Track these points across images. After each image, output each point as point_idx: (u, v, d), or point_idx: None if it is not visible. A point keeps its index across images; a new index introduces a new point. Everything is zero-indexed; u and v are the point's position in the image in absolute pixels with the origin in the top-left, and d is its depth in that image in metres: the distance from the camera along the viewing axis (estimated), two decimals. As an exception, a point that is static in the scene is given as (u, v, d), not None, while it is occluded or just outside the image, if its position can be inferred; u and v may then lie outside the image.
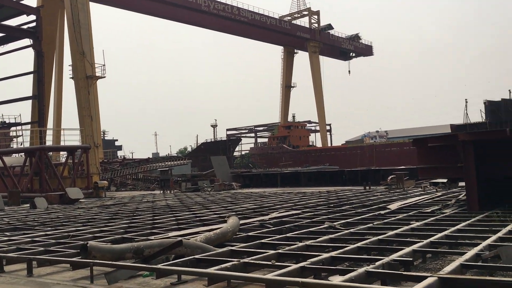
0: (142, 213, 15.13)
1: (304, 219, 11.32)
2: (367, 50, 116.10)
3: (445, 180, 21.97)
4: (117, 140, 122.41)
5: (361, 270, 5.21)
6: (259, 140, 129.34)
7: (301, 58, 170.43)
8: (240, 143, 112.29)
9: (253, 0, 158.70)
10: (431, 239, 7.27)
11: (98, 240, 9.15)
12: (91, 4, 49.52)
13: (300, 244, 7.38)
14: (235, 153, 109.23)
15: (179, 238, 7.82)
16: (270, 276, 5.28)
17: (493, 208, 11.00)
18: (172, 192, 33.30)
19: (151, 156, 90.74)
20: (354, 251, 6.79)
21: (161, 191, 33.94)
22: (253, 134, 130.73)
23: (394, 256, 6.03)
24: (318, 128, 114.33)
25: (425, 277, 4.79)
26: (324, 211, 13.04)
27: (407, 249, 6.42)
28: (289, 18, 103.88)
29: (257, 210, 14.33)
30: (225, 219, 11.97)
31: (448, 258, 6.59)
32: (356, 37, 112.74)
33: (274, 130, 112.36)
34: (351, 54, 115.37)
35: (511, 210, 10.27)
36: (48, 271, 7.09)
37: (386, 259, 5.78)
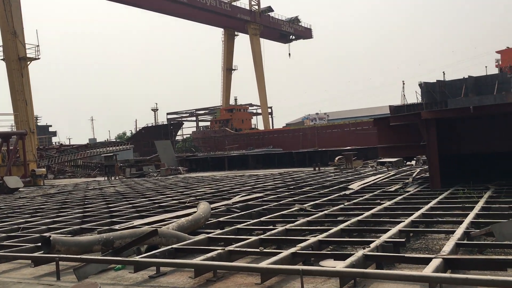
0: (93, 201, 14.40)
1: (270, 201, 11.11)
2: (306, 33, 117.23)
3: (393, 160, 22.52)
4: (51, 126, 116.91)
5: (359, 254, 4.98)
6: (201, 124, 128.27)
7: (242, 41, 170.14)
8: (182, 127, 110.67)
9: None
10: (411, 218, 7.20)
11: (55, 232, 8.48)
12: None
13: (280, 228, 7.09)
14: (177, 137, 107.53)
15: (153, 227, 7.32)
16: (264, 264, 4.94)
17: (452, 185, 11.22)
18: (117, 178, 32.32)
19: (88, 142, 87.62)
20: (338, 234, 6.58)
21: (106, 178, 32.83)
22: (194, 118, 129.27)
23: (384, 237, 5.85)
24: (260, 111, 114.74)
25: (430, 259, 4.62)
26: (286, 193, 12.92)
27: (393, 230, 6.28)
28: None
29: (217, 194, 14.01)
30: (188, 204, 11.60)
31: (429, 236, 6.53)
32: (296, 20, 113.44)
33: (216, 114, 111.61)
34: (291, 37, 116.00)
35: (473, 186, 10.49)
36: (4, 268, 6.40)
37: (378, 241, 5.59)
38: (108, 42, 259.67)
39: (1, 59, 40.83)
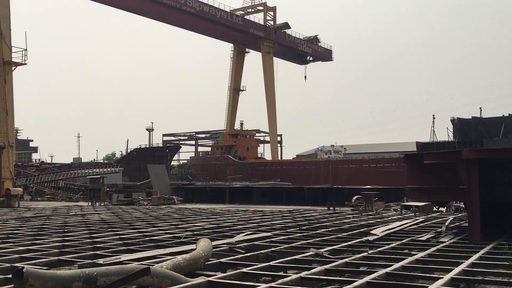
0: (74, 230, 14.15)
1: (279, 243, 10.81)
2: (326, 55, 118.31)
3: (420, 204, 22.19)
4: (32, 140, 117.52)
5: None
6: (201, 149, 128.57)
7: (253, 59, 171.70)
8: (179, 151, 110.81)
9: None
10: (451, 275, 6.88)
11: (28, 262, 8.21)
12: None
13: (294, 276, 6.79)
14: (173, 162, 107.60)
15: (144, 264, 7.03)
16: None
17: (494, 238, 10.89)
18: (103, 204, 32.14)
19: (72, 162, 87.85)
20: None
21: (90, 203, 32.70)
22: (193, 142, 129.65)
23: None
24: (268, 138, 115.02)
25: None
26: (298, 234, 12.67)
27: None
28: (241, 12, 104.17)
29: (217, 230, 13.74)
30: (181, 239, 11.30)
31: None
32: (315, 39, 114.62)
33: (218, 139, 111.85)
34: (308, 57, 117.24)
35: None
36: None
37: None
38: (102, 52, 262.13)
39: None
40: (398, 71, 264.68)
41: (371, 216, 19.49)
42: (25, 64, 41.40)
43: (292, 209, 25.52)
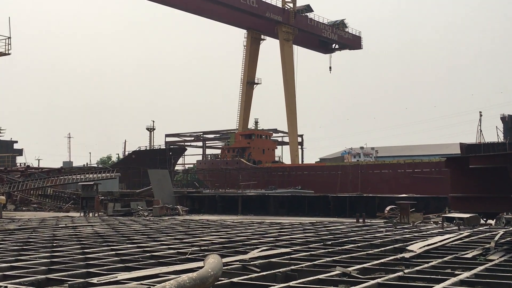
0: (64, 244, 14.29)
1: (300, 260, 10.83)
2: (354, 42, 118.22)
3: (465, 216, 22.06)
4: (16, 142, 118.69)
5: None
6: (209, 151, 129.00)
7: (270, 48, 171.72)
8: (184, 154, 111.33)
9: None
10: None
11: (12, 281, 8.33)
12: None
13: (317, 299, 6.77)
14: (177, 167, 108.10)
15: (144, 284, 7.07)
16: None
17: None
18: (97, 215, 32.37)
19: (62, 166, 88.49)
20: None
21: (82, 213, 32.93)
22: (200, 143, 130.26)
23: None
24: (287, 139, 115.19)
25: None
26: (322, 250, 12.70)
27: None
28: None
29: (228, 245, 13.79)
30: (187, 256, 11.35)
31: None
32: (341, 24, 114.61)
33: (229, 139, 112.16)
34: (333, 45, 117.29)
35: None
36: None
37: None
38: (94, 42, 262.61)
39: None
40: (438, 61, 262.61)
41: (407, 230, 19.39)
42: (9, 54, 41.88)
43: (315, 221, 25.50)
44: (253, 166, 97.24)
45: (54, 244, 14.13)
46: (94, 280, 8.22)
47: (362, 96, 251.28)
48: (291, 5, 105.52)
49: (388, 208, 28.17)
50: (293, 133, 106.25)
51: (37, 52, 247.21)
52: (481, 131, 74.36)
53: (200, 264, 9.25)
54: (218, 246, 13.67)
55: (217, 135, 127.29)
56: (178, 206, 35.13)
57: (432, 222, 24.42)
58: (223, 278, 8.42)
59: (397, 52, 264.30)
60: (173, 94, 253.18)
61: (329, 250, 12.78)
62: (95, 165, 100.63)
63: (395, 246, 13.48)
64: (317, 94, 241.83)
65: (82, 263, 10.54)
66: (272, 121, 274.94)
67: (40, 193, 48.45)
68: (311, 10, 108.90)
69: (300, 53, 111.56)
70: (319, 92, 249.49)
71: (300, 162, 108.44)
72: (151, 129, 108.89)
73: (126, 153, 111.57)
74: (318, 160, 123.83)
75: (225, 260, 10.47)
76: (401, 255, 11.37)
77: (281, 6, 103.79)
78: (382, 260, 10.72)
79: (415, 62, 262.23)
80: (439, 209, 30.13)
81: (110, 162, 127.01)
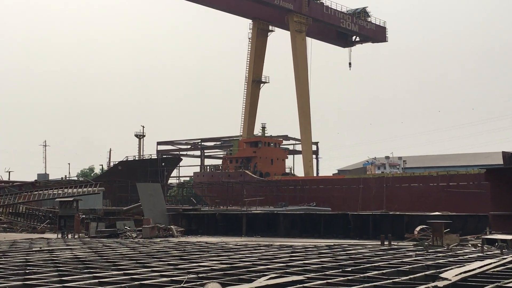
0: (39, 271, 14.32)
1: (315, 291, 10.84)
2: (378, 34, 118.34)
3: (509, 237, 22.06)
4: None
5: None
6: (208, 161, 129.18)
7: (279, 40, 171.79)
8: (178, 165, 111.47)
9: None
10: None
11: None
12: None
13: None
14: (171, 180, 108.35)
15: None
16: None
17: None
18: (77, 236, 32.41)
19: (36, 179, 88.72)
20: None
21: (60, 235, 32.97)
22: (198, 152, 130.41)
23: None
24: (299, 147, 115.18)
25: None
26: (341, 278, 12.71)
27: None
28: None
29: (230, 272, 13.85)
30: (182, 284, 11.38)
31: None
32: (362, 13, 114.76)
33: (232, 148, 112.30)
34: (353, 38, 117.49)
35: None
36: None
37: None
38: (74, 34, 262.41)
39: None
40: (477, 56, 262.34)
41: (440, 254, 19.37)
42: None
43: (332, 243, 25.49)
44: (259, 179, 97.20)
45: (27, 271, 14.11)
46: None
47: (387, 97, 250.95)
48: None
49: (418, 229, 28.08)
50: (307, 140, 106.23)
51: (6, 47, 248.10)
52: (527, 137, 74.17)
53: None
54: (218, 273, 13.67)
55: (218, 143, 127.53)
56: (172, 226, 35.07)
57: (470, 245, 24.28)
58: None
59: (427, 45, 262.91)
60: (166, 96, 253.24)
61: (349, 278, 12.77)
62: (75, 178, 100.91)
63: (426, 273, 13.46)
64: (334, 94, 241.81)
65: (59, 293, 10.57)
66: (282, 126, 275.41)
67: (10, 211, 48.50)
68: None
69: (314, 46, 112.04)
70: (337, 92, 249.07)
71: (314, 174, 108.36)
72: (140, 136, 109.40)
73: (112, 164, 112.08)
74: (336, 172, 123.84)
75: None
76: (433, 284, 11.36)
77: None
78: (411, 290, 10.72)
79: (449, 57, 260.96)
80: (478, 230, 29.96)
81: (92, 174, 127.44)
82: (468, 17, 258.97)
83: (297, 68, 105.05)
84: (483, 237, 25.23)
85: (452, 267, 14.43)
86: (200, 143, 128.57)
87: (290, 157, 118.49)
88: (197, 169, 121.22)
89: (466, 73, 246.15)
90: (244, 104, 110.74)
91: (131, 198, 68.15)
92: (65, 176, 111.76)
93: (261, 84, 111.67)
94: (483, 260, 16.27)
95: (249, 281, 12.11)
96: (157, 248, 22.29)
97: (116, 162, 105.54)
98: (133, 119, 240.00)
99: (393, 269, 14.40)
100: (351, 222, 33.53)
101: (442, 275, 12.67)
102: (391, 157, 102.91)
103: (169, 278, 12.56)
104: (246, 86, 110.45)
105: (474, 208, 47.49)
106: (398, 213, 37.81)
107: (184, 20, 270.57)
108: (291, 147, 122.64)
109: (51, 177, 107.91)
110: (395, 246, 23.56)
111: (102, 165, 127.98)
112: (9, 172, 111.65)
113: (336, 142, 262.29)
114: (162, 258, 17.72)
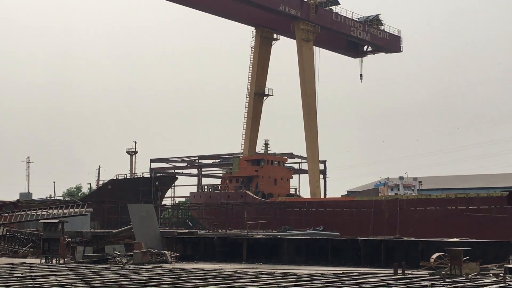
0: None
1: (321, 324, 10.78)
2: (391, 43, 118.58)
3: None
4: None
5: None
6: (206, 180, 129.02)
7: (284, 50, 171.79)
8: (173, 184, 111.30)
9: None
10: None
11: None
12: None
13: None
14: (165, 201, 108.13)
15: None
16: None
17: None
18: (63, 262, 32.31)
19: (18, 199, 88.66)
20: None
21: (44, 260, 32.85)
22: (195, 171, 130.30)
23: None
24: (305, 166, 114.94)
25: None
26: (350, 310, 12.59)
27: None
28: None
29: (229, 303, 13.73)
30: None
31: None
32: (375, 21, 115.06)
33: (232, 166, 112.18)
34: (365, 47, 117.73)
35: None
36: None
37: None
38: (62, 41, 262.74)
39: None
40: (498, 69, 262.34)
41: (459, 284, 19.27)
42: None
43: (340, 272, 25.39)
44: (262, 200, 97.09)
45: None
46: None
47: (402, 113, 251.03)
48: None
49: (434, 256, 28.07)
50: (314, 158, 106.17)
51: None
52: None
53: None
54: (216, 303, 13.66)
55: (216, 161, 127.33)
56: (165, 251, 35.06)
57: (491, 275, 24.25)
58: None
59: (445, 56, 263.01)
60: (161, 109, 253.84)
61: (359, 310, 12.73)
62: (61, 198, 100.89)
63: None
64: (344, 109, 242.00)
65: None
66: (286, 143, 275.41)
67: (-10, 233, 48.50)
68: (337, 3, 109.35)
69: (322, 56, 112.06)
70: (347, 106, 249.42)
71: (322, 196, 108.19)
72: (132, 153, 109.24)
73: (101, 182, 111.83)
74: (345, 193, 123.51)
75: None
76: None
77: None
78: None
79: (469, 69, 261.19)
80: (500, 258, 29.96)
81: (80, 194, 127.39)
82: (490, 26, 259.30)
83: (304, 79, 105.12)
84: (505, 266, 25.16)
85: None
86: (197, 161, 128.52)
87: (295, 176, 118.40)
88: (194, 189, 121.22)
89: (488, 87, 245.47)
90: (245, 118, 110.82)
91: (122, 220, 68.17)
92: (50, 195, 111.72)
93: (264, 97, 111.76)
94: (505, 291, 16.25)
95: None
96: (149, 275, 22.14)
97: (106, 181, 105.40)
98: (124, 134, 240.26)
99: (407, 301, 14.35)
100: (362, 248, 33.48)
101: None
102: (405, 177, 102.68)
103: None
104: (248, 99, 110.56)
105: (495, 234, 47.37)
106: (412, 239, 37.75)
107: (182, 28, 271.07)
108: (296, 166, 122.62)
109: (34, 197, 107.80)
110: (409, 275, 23.45)
111: (90, 184, 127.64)
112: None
113: (346, 161, 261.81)
114: (154, 287, 17.67)
